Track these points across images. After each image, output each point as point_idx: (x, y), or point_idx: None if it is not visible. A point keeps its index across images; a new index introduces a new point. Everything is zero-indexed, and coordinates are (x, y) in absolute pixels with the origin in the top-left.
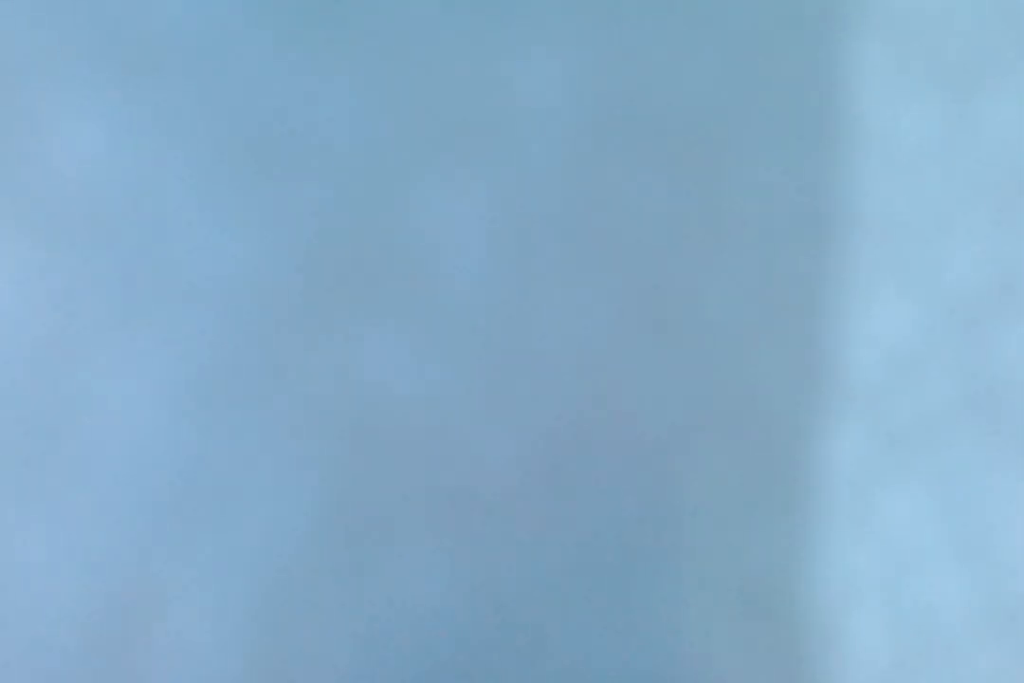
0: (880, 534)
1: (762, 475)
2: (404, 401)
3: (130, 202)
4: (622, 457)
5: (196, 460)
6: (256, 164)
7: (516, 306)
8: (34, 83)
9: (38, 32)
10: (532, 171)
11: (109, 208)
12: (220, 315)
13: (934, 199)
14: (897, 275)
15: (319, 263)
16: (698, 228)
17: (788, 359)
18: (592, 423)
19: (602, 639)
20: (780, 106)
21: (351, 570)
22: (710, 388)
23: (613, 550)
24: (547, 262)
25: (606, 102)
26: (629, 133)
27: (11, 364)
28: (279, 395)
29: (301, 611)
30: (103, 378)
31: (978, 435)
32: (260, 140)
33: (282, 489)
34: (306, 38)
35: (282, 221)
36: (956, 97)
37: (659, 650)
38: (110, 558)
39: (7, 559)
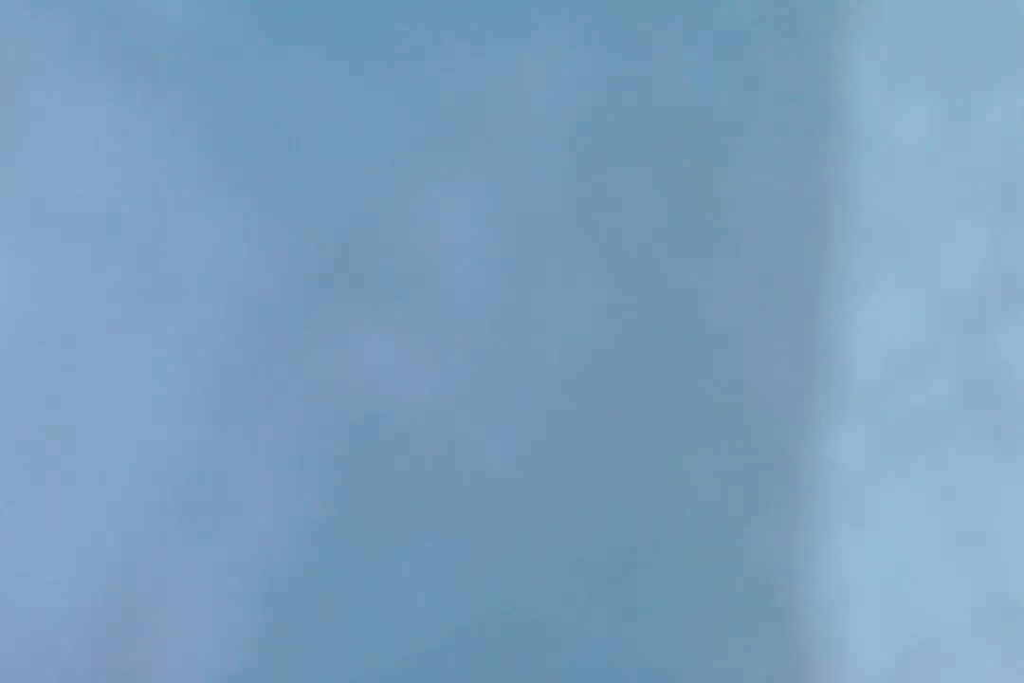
0: (880, 534)
1: (762, 475)
2: (405, 402)
3: (130, 202)
4: (622, 457)
5: (197, 460)
6: (256, 164)
7: (517, 306)
8: (34, 83)
9: (38, 32)
10: (533, 171)
11: (109, 208)
12: (220, 315)
13: (934, 199)
14: (897, 274)
15: (320, 263)
16: (698, 228)
17: (788, 358)
18: (592, 423)
19: (602, 639)
20: (780, 106)
21: (351, 570)
22: (710, 388)
23: (613, 550)
24: (547, 262)
25: (606, 103)
26: (628, 134)
27: (12, 364)
28: (280, 395)
29: (302, 611)
30: (104, 378)
31: (978, 434)
32: (260, 140)
33: (283, 489)
34: (306, 38)
35: (283, 221)
36: (955, 97)
37: (659, 650)
38: (111, 557)
39: (7, 558)
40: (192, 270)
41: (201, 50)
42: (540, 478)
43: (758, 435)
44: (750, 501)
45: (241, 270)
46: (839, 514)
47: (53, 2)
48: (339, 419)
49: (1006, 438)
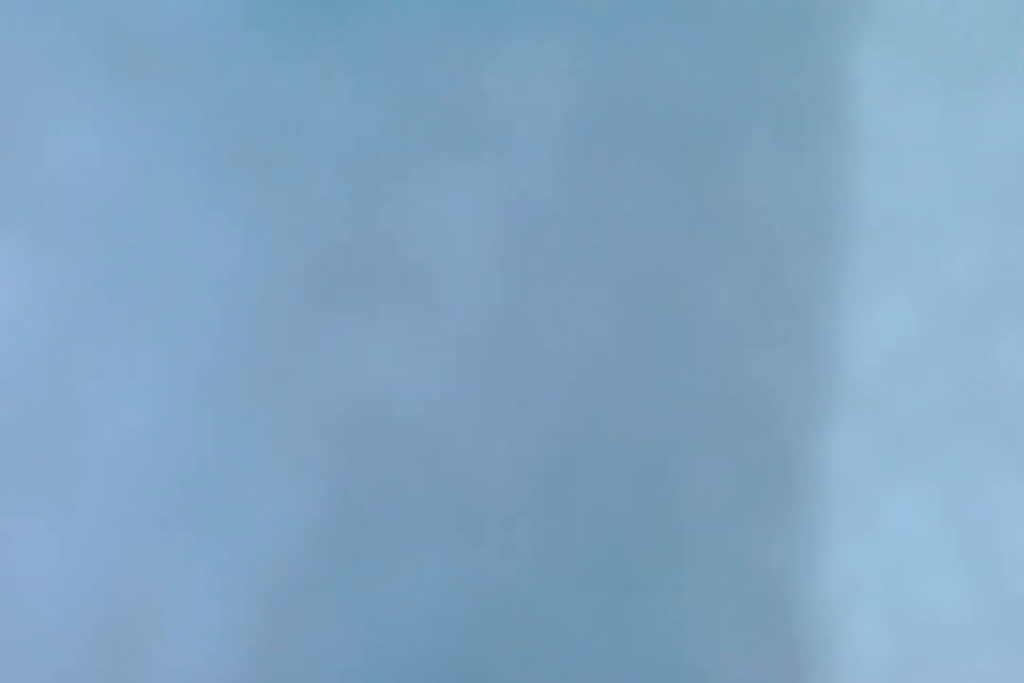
0: (880, 534)
1: (762, 476)
2: (404, 405)
3: (128, 203)
4: (622, 458)
5: (195, 462)
6: (255, 165)
7: (516, 307)
8: (31, 84)
9: (36, 32)
10: (532, 171)
11: (108, 209)
12: (218, 317)
13: (934, 199)
14: (898, 275)
15: (318, 264)
16: (698, 230)
17: (789, 359)
18: (592, 423)
19: (603, 639)
20: (780, 106)
21: (352, 573)
22: (710, 389)
23: (613, 550)
24: (547, 265)
25: (605, 102)
26: (628, 134)
27: (9, 365)
28: (278, 398)
29: (302, 614)
30: (102, 379)
31: (979, 435)
32: (259, 141)
33: (282, 492)
34: (305, 38)
35: (282, 222)
36: (956, 97)
37: (661, 650)
38: (109, 559)
39: (5, 559)
40: (190, 271)
41: (200, 50)
42: (540, 479)
43: (759, 435)
44: (751, 501)
45: (239, 271)
46: (840, 514)
47: (51, 2)
48: (339, 420)
49: (1007, 438)
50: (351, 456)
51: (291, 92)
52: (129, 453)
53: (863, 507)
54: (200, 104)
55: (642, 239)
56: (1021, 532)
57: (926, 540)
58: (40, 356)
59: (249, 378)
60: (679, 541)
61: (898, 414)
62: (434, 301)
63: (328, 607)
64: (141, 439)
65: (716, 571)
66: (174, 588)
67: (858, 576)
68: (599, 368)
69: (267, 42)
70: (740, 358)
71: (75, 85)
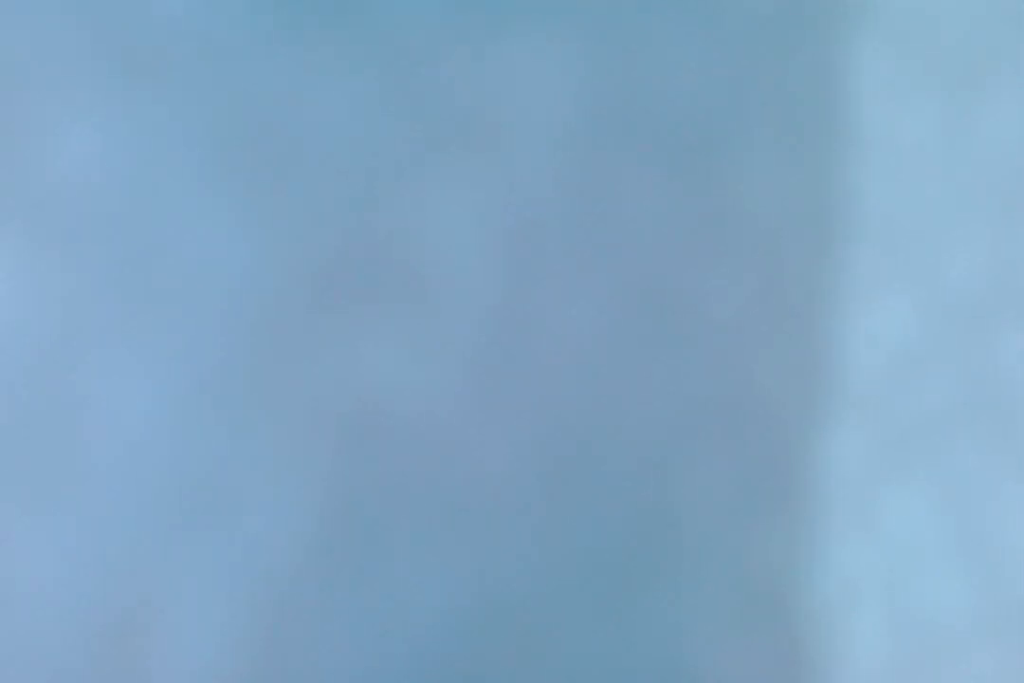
0: (880, 534)
1: (762, 476)
2: (405, 405)
3: (129, 204)
4: (622, 458)
5: (196, 463)
6: (255, 166)
7: (517, 308)
8: (32, 84)
9: (36, 33)
10: (532, 172)
11: (108, 210)
12: (219, 317)
13: (934, 199)
14: (898, 276)
15: (318, 265)
16: (698, 229)
17: (789, 360)
18: (592, 424)
19: (603, 642)
20: (781, 107)
21: (351, 574)
22: (710, 389)
23: (614, 551)
24: (547, 266)
25: (605, 103)
26: (628, 135)
27: (11, 366)
28: (280, 399)
29: (303, 613)
30: (103, 382)
31: (979, 435)
32: (258, 142)
33: (282, 493)
34: (304, 39)
35: (282, 223)
36: (956, 97)
37: (660, 652)
38: (110, 560)
39: (6, 560)
40: (191, 271)
41: (200, 51)
42: (540, 480)
43: (760, 436)
44: (751, 502)
45: (240, 271)
46: (840, 515)
47: (51, 3)
48: (340, 421)
49: (1007, 439)
50: (352, 457)
51: (291, 92)
52: (130, 454)
53: (863, 507)
54: (200, 104)
55: (642, 239)
56: (1021, 532)
57: (926, 540)
58: (41, 357)
59: (250, 379)
60: (679, 541)
61: (898, 414)
62: (435, 301)
63: (329, 607)
64: (142, 440)
65: (716, 571)
66: (175, 588)
67: (858, 576)
68: (599, 368)
69: (267, 42)
70: (740, 358)
71: (76, 85)
